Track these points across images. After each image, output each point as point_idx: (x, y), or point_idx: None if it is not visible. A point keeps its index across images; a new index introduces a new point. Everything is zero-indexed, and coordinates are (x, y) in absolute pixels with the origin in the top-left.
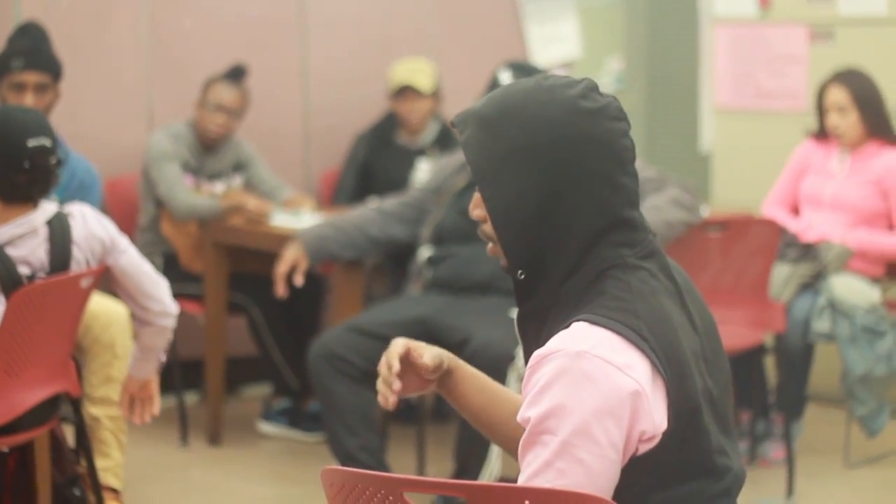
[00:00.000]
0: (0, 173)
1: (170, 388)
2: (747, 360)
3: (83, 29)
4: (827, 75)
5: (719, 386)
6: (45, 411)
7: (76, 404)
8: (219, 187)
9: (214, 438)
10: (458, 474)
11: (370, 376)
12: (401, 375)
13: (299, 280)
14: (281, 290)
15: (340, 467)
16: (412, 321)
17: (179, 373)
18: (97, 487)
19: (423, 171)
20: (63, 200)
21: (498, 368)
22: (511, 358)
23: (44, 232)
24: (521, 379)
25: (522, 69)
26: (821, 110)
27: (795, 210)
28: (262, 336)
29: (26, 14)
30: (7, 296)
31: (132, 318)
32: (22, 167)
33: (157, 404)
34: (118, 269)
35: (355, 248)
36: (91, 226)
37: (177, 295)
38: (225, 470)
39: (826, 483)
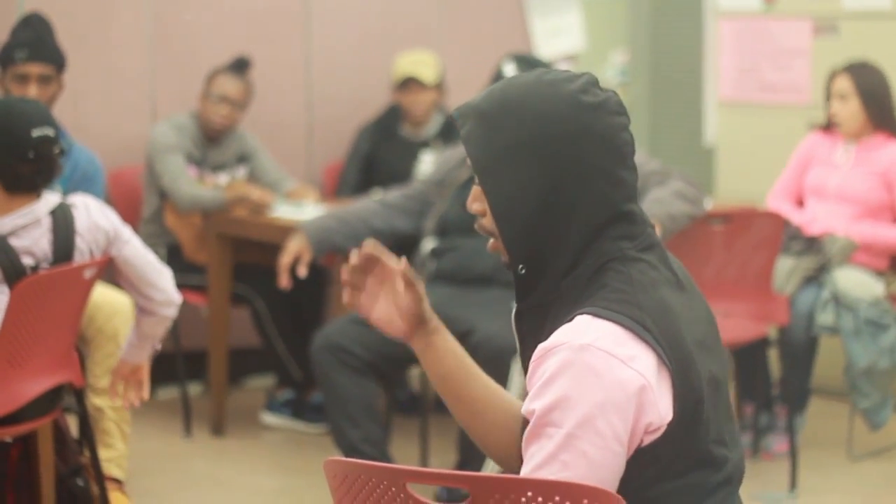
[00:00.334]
0: (4, 163)
1: (173, 378)
2: (751, 353)
3: (87, 20)
4: (838, 65)
5: (722, 376)
6: (49, 402)
7: (79, 395)
8: (222, 179)
9: (218, 429)
10: (461, 466)
11: (373, 368)
12: (373, 289)
13: (303, 271)
14: (284, 281)
15: (343, 458)
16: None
17: (183, 364)
18: (100, 478)
19: (427, 164)
20: (66, 192)
21: (501, 360)
22: (514, 350)
23: (47, 222)
24: (522, 371)
25: (526, 62)
26: (829, 100)
27: (800, 202)
28: (266, 327)
29: (30, 5)
30: (10, 286)
31: (134, 306)
32: (26, 157)
33: (146, 388)
34: (122, 259)
35: (358, 239)
36: (95, 216)
37: (180, 286)
38: (228, 461)
39: (829, 476)
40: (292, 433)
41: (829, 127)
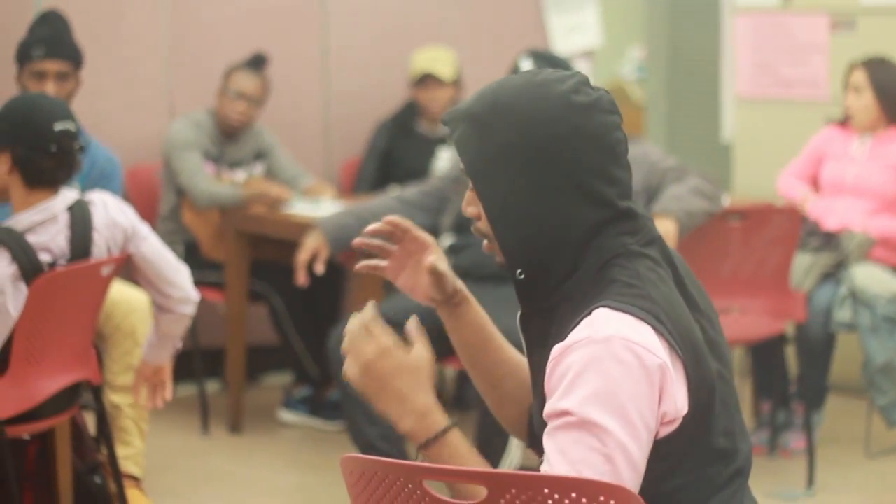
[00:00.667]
0: (27, 157)
1: (191, 376)
2: (768, 350)
3: (103, 17)
4: (856, 58)
5: (727, 368)
6: (66, 399)
7: (97, 392)
8: (240, 175)
9: (235, 427)
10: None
11: None
12: (401, 258)
13: (320, 268)
14: (301, 278)
15: (360, 455)
16: (433, 309)
17: (200, 361)
18: (118, 475)
19: (444, 160)
20: (84, 189)
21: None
22: None
23: (64, 219)
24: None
25: (543, 58)
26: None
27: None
28: (283, 324)
29: (47, 2)
30: (28, 283)
31: (152, 304)
32: (49, 151)
33: (169, 389)
34: (139, 256)
35: None
36: (112, 213)
37: (198, 283)
38: (245, 458)
39: (847, 473)
40: (309, 430)
41: (845, 121)
